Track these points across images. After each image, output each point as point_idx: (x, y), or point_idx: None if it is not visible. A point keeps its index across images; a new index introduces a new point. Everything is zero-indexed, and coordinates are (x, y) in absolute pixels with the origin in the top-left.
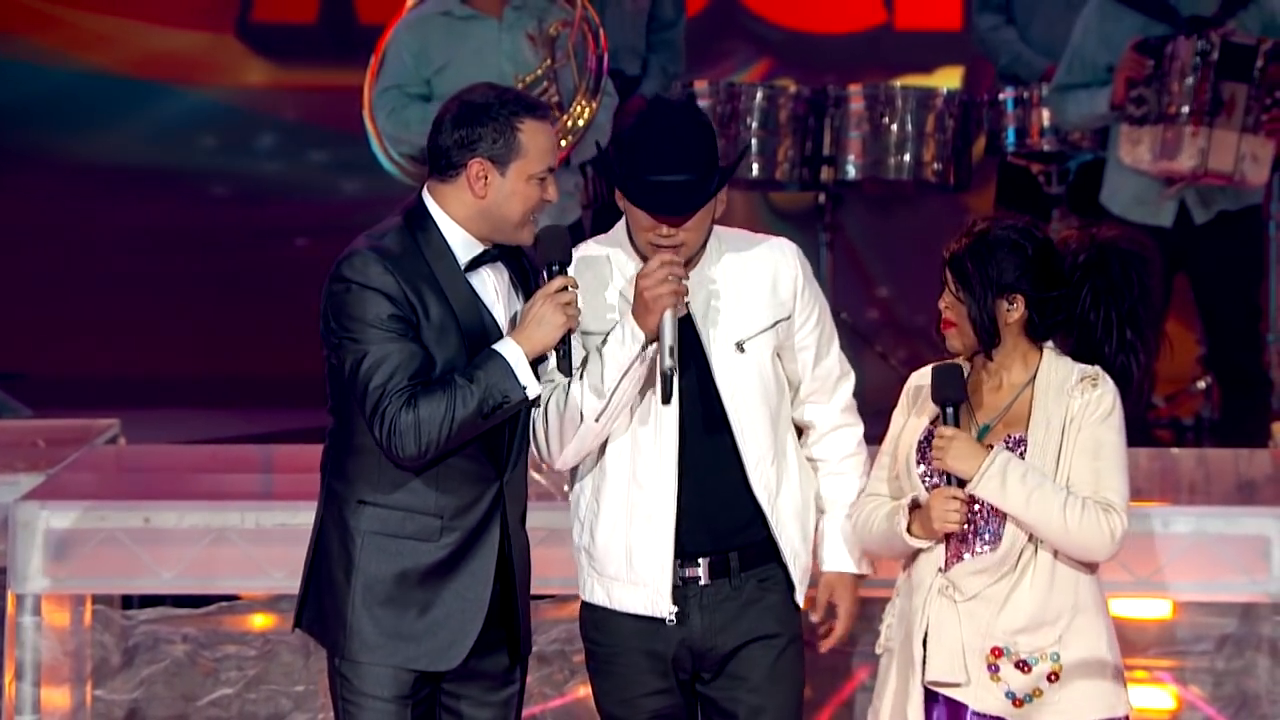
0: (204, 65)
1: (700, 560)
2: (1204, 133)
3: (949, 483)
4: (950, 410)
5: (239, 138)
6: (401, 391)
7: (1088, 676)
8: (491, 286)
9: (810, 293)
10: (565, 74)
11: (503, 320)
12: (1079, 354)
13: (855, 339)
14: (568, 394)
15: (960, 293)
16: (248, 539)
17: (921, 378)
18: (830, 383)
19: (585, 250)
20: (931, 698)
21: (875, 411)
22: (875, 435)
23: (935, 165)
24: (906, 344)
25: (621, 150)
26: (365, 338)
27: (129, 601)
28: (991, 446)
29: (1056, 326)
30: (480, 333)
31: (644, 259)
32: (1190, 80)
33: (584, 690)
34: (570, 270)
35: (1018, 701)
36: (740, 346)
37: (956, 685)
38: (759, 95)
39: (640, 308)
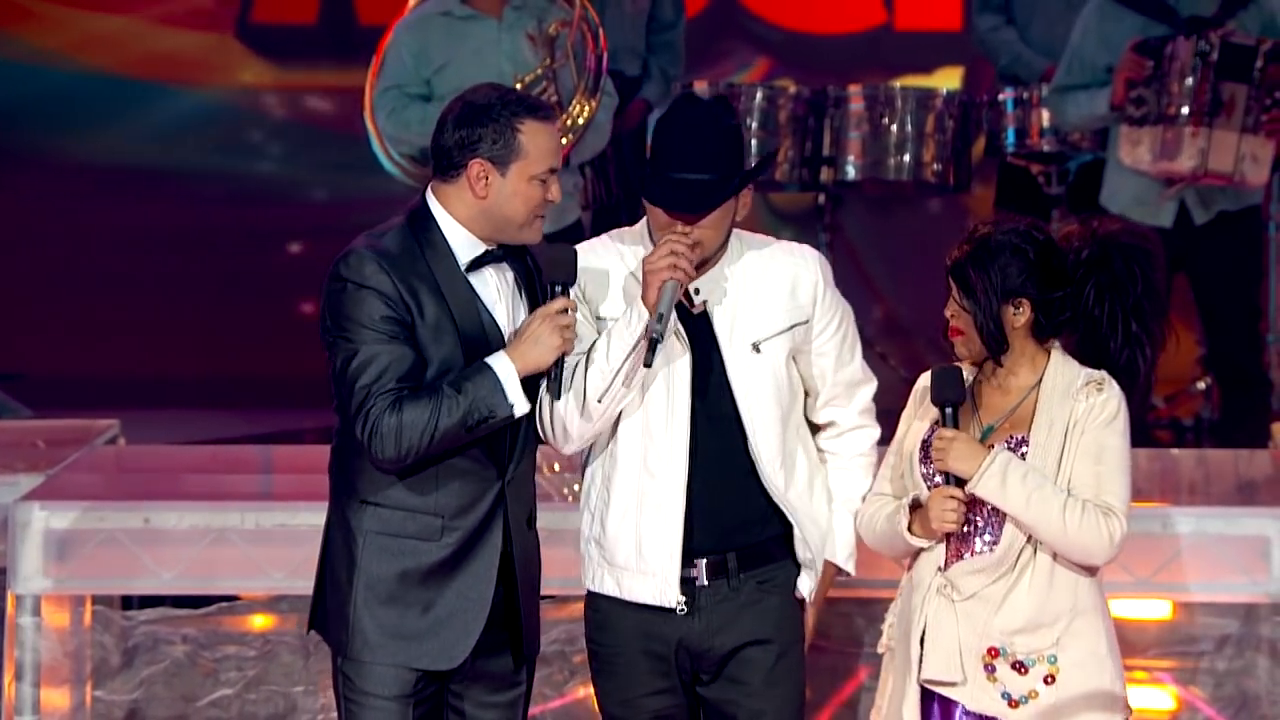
0: (204, 66)
1: (699, 560)
2: (1204, 133)
3: (949, 483)
4: (949, 411)
5: (239, 138)
6: (388, 393)
7: (1085, 681)
8: (493, 286)
9: (831, 299)
10: (564, 74)
11: (503, 320)
12: (1084, 349)
13: None
14: (574, 374)
15: (965, 301)
16: (247, 539)
17: (928, 379)
18: (851, 388)
19: (609, 239)
20: (929, 697)
21: (876, 413)
22: (880, 436)
23: (935, 166)
24: (907, 345)
25: (651, 146)
26: (357, 337)
27: (129, 602)
28: (993, 447)
29: (1062, 325)
30: (478, 333)
31: None
32: (1190, 81)
33: (584, 691)
34: (572, 293)
35: (1013, 703)
36: (756, 347)
37: (952, 684)
38: (759, 96)
39: (644, 286)
